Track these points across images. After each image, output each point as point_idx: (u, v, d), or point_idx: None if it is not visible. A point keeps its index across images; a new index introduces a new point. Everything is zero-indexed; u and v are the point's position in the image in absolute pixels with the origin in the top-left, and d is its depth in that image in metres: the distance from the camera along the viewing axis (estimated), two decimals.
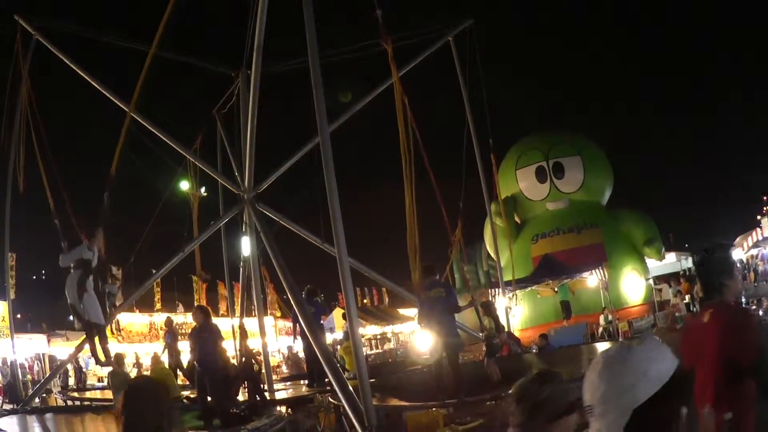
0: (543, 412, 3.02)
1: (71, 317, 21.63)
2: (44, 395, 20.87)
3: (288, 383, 22.29)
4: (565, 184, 39.71)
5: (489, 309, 17.26)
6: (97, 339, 14.40)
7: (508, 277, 27.60)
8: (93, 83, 18.64)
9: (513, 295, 27.32)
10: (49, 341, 32.99)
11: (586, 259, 33.19)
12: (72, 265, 14.01)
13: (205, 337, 12.94)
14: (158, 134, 19.09)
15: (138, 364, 32.95)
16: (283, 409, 15.49)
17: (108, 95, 18.53)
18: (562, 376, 3.26)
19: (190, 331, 13.76)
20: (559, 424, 2.97)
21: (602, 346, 17.27)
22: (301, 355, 24.12)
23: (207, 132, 23.07)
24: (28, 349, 32.46)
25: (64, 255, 14.29)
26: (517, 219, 40.65)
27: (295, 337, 20.71)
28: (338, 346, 22.27)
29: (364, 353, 14.20)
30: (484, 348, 15.64)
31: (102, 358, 14.89)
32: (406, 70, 18.79)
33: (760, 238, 47.91)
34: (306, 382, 19.65)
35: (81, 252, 14.06)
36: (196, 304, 32.43)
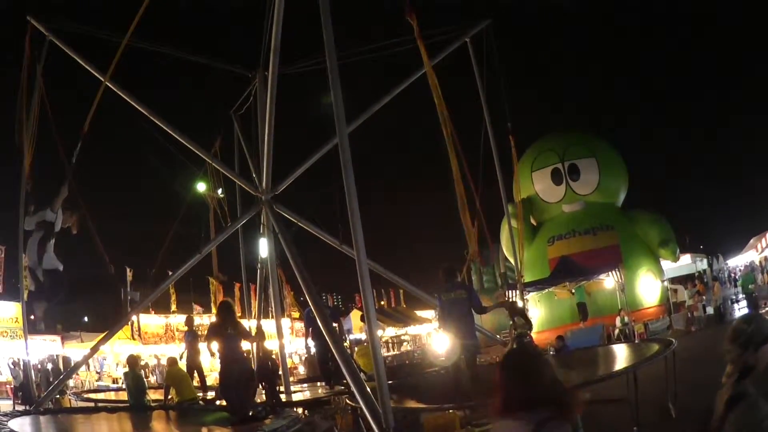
0: (753, 342, 4.19)
1: (85, 318, 21.63)
2: (58, 397, 20.92)
3: (305, 385, 22.29)
4: (580, 186, 39.72)
5: (515, 308, 17.31)
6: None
7: (525, 280, 27.55)
8: (113, 87, 18.58)
9: (527, 298, 27.21)
10: (63, 342, 33.03)
11: (602, 261, 33.17)
12: (34, 227, 13.89)
13: (232, 334, 12.74)
14: (178, 138, 19.08)
15: (158, 366, 33.09)
16: (300, 410, 15.48)
17: (116, 90, 18.42)
18: (762, 316, 4.52)
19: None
20: (763, 350, 4.13)
21: (619, 348, 17.22)
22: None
23: (225, 133, 23.11)
24: (42, 350, 32.59)
25: (29, 217, 14.17)
26: (533, 221, 40.62)
27: (306, 338, 20.62)
28: (355, 348, 22.21)
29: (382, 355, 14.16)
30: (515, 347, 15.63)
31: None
32: (422, 72, 18.71)
33: None
34: (322, 384, 19.65)
35: (44, 214, 13.90)
36: (214, 304, 32.55)
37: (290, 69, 19.97)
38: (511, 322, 17.39)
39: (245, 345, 14.76)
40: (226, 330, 12.41)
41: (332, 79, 11.28)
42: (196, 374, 19.67)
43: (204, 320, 37.91)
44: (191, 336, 21.30)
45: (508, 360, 4.18)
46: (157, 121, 18.65)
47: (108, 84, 17.51)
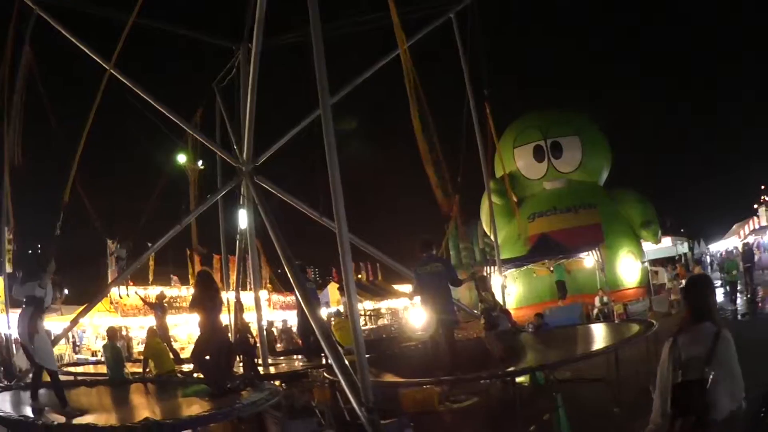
0: None
1: (66, 291, 21.47)
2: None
3: (281, 358, 22.28)
4: (562, 163, 39.69)
5: (485, 283, 17.35)
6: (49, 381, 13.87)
7: (504, 256, 27.55)
8: (97, 59, 18.47)
9: (505, 275, 27.21)
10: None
11: (583, 240, 33.19)
12: (23, 299, 13.45)
13: (211, 306, 12.50)
14: (158, 107, 18.97)
15: (126, 338, 32.96)
16: (278, 383, 15.45)
17: (105, 65, 18.32)
18: None
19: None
20: None
21: (599, 328, 17.27)
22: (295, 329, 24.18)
23: (206, 105, 23.01)
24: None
25: (17, 287, 13.72)
26: (514, 197, 40.66)
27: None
28: (332, 320, 22.19)
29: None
30: (482, 321, 15.65)
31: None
32: (410, 43, 18.65)
33: (757, 226, 48.00)
34: (300, 357, 19.68)
35: (33, 288, 13.37)
36: (191, 276, 32.48)
37: (274, 41, 19.90)
38: (480, 299, 17.51)
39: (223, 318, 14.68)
40: (207, 301, 12.29)
41: (316, 52, 11.22)
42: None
43: (182, 292, 37.90)
44: (160, 309, 21.32)
45: (697, 280, 6.10)
46: (138, 91, 18.56)
47: (91, 54, 17.43)
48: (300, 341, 22.42)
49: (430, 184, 17.68)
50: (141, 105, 18.92)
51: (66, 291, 17.15)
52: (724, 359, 5.26)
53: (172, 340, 23.15)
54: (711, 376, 5.15)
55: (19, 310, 12.94)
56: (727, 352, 5.30)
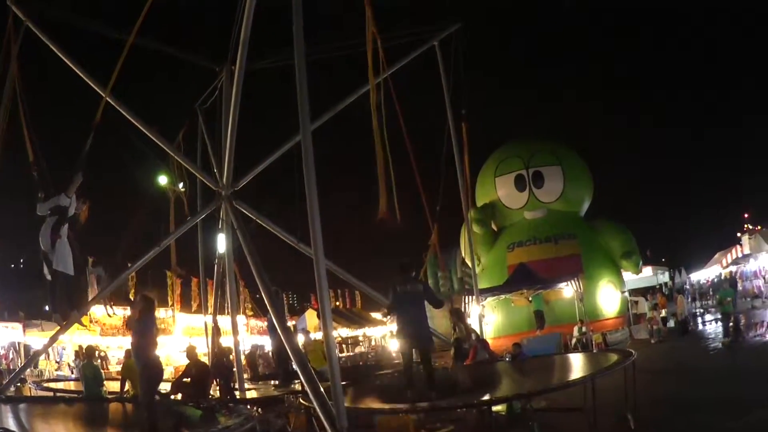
0: None
1: (46, 307, 21.38)
2: (18, 385, 20.74)
3: (259, 383, 22.20)
4: (544, 193, 39.81)
5: (459, 316, 17.45)
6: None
7: (482, 285, 27.53)
8: (80, 73, 18.46)
9: (483, 304, 27.16)
10: (24, 330, 32.74)
11: (563, 270, 33.15)
12: (48, 212, 13.75)
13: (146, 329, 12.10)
14: (141, 128, 18.93)
15: (104, 357, 32.78)
16: (254, 408, 15.37)
17: (93, 86, 18.32)
18: None
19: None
20: None
21: (577, 358, 17.28)
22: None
23: (189, 127, 22.97)
24: (4, 337, 32.66)
25: (41, 203, 14.01)
26: (494, 227, 40.63)
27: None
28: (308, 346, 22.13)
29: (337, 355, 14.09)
30: (452, 352, 15.66)
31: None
32: (389, 73, 18.67)
33: (740, 255, 48.06)
34: (275, 382, 19.63)
35: (58, 199, 13.78)
36: (171, 298, 32.38)
37: (258, 64, 19.92)
38: (453, 329, 17.61)
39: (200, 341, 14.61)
40: (143, 325, 11.95)
41: (299, 76, 11.21)
42: None
43: (160, 314, 37.68)
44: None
45: None
46: (122, 111, 18.51)
47: (108, 100, 17.45)
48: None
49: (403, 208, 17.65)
50: (123, 125, 18.89)
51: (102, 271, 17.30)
52: None
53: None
54: None
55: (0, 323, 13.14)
56: None
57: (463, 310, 21.81)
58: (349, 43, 19.17)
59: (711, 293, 48.72)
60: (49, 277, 14.31)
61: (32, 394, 20.82)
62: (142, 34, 16.96)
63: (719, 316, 31.02)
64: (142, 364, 11.80)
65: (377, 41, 14.50)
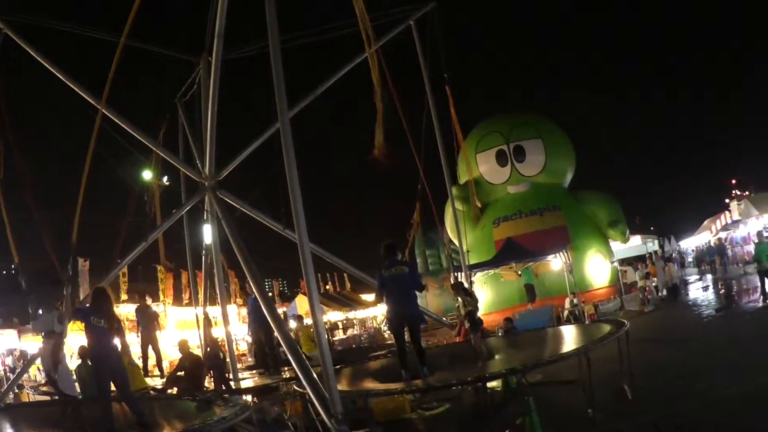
0: None
1: (40, 311, 21.46)
2: (17, 391, 20.76)
3: (254, 371, 22.21)
4: (526, 167, 39.86)
5: (459, 288, 17.45)
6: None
7: (470, 262, 27.51)
8: (63, 78, 18.45)
9: (473, 280, 27.17)
10: (19, 336, 32.66)
11: (550, 242, 33.29)
12: (42, 334, 13.88)
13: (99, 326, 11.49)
14: (123, 126, 18.89)
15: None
16: (249, 397, 15.39)
17: (77, 90, 18.31)
18: None
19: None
20: None
21: (569, 330, 17.32)
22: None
23: (170, 120, 22.92)
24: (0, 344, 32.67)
25: (35, 322, 14.20)
26: (478, 203, 40.60)
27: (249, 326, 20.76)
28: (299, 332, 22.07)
29: (328, 339, 14.12)
30: (467, 324, 15.66)
31: None
32: (365, 56, 18.65)
33: (729, 221, 48.24)
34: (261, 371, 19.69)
35: (51, 323, 13.81)
36: (162, 293, 32.34)
37: (234, 54, 19.87)
38: (457, 304, 17.56)
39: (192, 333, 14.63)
40: (92, 319, 11.46)
41: (275, 63, 11.19)
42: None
43: (154, 308, 37.64)
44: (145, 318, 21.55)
45: None
46: (102, 110, 18.43)
47: (104, 112, 17.42)
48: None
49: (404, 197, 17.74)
50: (104, 120, 18.82)
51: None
52: None
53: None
54: None
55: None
56: None
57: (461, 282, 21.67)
58: (324, 27, 19.20)
59: (708, 258, 48.69)
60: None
61: (30, 400, 20.88)
62: (116, 31, 16.93)
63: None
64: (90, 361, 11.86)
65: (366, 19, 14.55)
